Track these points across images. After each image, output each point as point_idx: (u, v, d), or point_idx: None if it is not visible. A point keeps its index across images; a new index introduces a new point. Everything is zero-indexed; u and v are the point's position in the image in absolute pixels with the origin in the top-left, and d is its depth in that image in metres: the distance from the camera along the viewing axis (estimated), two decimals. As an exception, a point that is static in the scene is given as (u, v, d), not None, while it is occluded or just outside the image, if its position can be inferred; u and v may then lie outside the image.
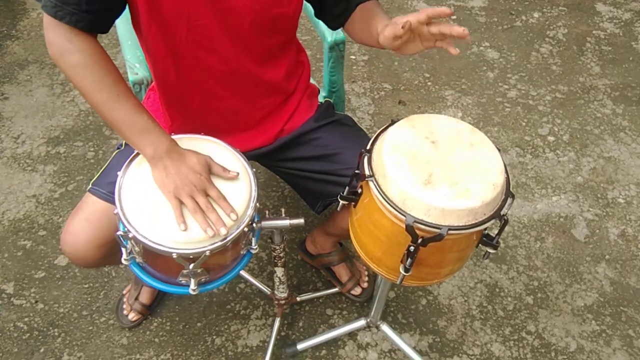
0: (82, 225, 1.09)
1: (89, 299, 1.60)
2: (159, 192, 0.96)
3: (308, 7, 1.50)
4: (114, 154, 1.20)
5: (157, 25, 1.00)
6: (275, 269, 1.30)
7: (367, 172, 0.90)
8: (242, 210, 0.96)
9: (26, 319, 1.56)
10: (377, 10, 1.09)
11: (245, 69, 1.12)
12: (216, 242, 0.92)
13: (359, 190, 0.97)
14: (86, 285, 1.63)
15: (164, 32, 1.02)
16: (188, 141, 1.03)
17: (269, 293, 1.53)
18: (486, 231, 0.92)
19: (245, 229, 0.96)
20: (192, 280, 0.98)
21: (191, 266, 0.93)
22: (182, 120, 1.21)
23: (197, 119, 1.20)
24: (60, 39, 0.94)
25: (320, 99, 1.41)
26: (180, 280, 0.99)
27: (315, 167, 1.26)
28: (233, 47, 1.07)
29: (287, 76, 1.22)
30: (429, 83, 2.40)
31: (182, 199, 0.94)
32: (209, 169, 0.99)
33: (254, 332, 1.55)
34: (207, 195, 0.96)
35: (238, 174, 0.99)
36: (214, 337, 1.54)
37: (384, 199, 0.86)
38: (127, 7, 1.01)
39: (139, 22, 1.02)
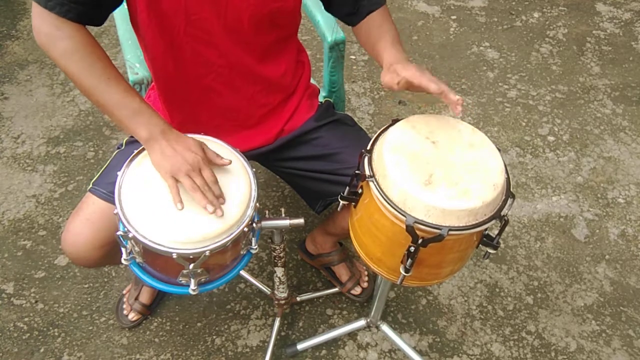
0: (83, 225, 1.09)
1: (89, 299, 1.60)
2: (159, 192, 0.96)
3: (308, 7, 1.50)
4: (114, 153, 1.20)
5: (156, 19, 1.00)
6: (275, 269, 1.30)
7: (367, 173, 0.90)
8: (242, 210, 0.96)
9: (26, 319, 1.56)
10: (383, 32, 1.10)
11: (244, 65, 1.12)
12: (216, 242, 0.92)
13: (360, 191, 0.97)
14: (86, 285, 1.63)
15: (162, 26, 1.02)
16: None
17: (269, 293, 1.53)
18: (486, 231, 0.92)
19: (245, 229, 0.96)
20: (192, 280, 0.97)
21: (191, 266, 0.93)
22: (182, 118, 1.21)
23: (197, 116, 1.20)
24: (48, 27, 0.93)
25: (321, 98, 1.41)
26: (180, 280, 0.99)
27: (315, 167, 1.26)
28: (231, 41, 1.07)
29: (287, 75, 1.22)
30: (429, 83, 2.39)
31: (179, 178, 0.93)
32: (204, 152, 0.99)
33: (254, 332, 1.55)
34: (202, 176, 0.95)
35: (230, 161, 0.98)
36: (214, 337, 1.54)
37: (385, 200, 0.86)
38: (123, 3, 1.00)
39: (137, 19, 1.02)
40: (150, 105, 1.00)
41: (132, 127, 0.97)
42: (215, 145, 1.06)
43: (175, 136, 0.98)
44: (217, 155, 0.99)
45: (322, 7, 1.21)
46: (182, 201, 0.93)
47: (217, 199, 0.93)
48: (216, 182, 0.95)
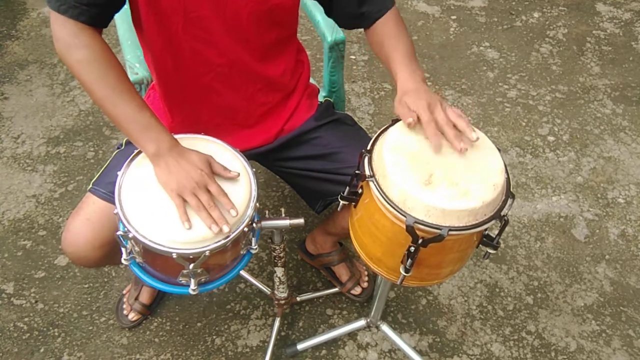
0: (83, 225, 1.09)
1: (89, 299, 1.60)
2: (159, 192, 0.96)
3: (308, 7, 1.50)
4: (114, 153, 1.20)
5: (154, 17, 1.01)
6: (275, 269, 1.30)
7: (367, 173, 0.89)
8: (242, 210, 0.96)
9: (26, 319, 1.56)
10: (395, 45, 1.06)
11: (244, 63, 1.12)
12: (216, 242, 0.92)
13: (360, 191, 0.97)
14: (86, 285, 1.63)
15: (161, 24, 1.02)
16: (188, 141, 1.03)
17: (269, 293, 1.53)
18: (486, 231, 0.92)
19: (245, 229, 0.96)
20: (192, 280, 0.97)
21: (191, 266, 0.93)
22: (182, 117, 1.21)
23: (197, 115, 1.20)
24: (66, 34, 0.94)
25: (320, 98, 1.41)
26: (180, 280, 0.99)
27: (315, 166, 1.26)
28: (231, 40, 1.07)
29: (286, 74, 1.22)
30: (429, 83, 2.39)
31: (185, 197, 0.93)
32: (210, 166, 0.99)
33: (254, 332, 1.55)
34: (208, 191, 0.95)
35: (239, 174, 0.99)
36: (214, 337, 1.54)
37: (385, 200, 0.86)
38: (126, 2, 1.01)
39: (139, 15, 1.02)
40: (160, 121, 1.00)
41: (141, 141, 0.98)
42: (216, 145, 1.06)
43: (181, 152, 0.98)
44: (225, 168, 0.99)
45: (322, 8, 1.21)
46: (190, 220, 0.92)
47: (222, 217, 0.93)
48: (225, 195, 0.95)
